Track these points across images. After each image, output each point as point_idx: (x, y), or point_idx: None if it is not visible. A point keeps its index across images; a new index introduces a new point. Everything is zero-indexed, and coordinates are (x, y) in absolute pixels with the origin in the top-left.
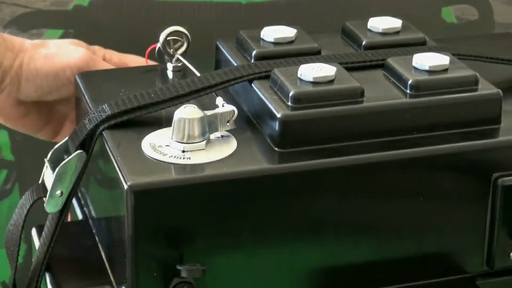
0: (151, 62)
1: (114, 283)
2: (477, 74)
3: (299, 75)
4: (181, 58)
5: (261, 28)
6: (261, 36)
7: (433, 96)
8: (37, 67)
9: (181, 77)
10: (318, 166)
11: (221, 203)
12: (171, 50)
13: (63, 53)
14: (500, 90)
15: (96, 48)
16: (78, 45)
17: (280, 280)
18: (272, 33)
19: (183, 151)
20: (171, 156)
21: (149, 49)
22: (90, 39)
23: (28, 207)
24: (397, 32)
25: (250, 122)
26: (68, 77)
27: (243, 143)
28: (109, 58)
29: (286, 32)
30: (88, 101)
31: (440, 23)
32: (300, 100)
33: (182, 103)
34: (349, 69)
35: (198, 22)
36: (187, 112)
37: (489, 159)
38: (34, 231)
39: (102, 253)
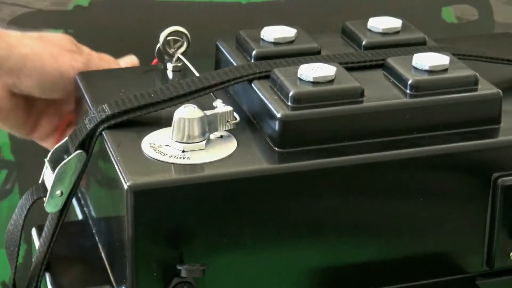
0: None
1: (114, 283)
2: (477, 74)
3: (299, 75)
4: (181, 57)
5: (261, 28)
6: (261, 36)
7: (433, 96)
8: (43, 64)
9: (181, 77)
10: (318, 166)
11: (221, 203)
12: (171, 50)
13: (65, 54)
14: (500, 90)
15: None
16: (69, 43)
17: (280, 280)
18: (272, 33)
19: (183, 151)
20: (171, 156)
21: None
22: (90, 39)
23: (28, 207)
24: (397, 32)
25: (250, 122)
26: (72, 78)
27: (243, 143)
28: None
29: (286, 32)
30: (88, 101)
31: (440, 23)
32: (300, 100)
33: (182, 103)
34: (349, 69)
35: (198, 22)
36: (187, 112)
37: (489, 159)
38: (34, 231)
39: (102, 253)
